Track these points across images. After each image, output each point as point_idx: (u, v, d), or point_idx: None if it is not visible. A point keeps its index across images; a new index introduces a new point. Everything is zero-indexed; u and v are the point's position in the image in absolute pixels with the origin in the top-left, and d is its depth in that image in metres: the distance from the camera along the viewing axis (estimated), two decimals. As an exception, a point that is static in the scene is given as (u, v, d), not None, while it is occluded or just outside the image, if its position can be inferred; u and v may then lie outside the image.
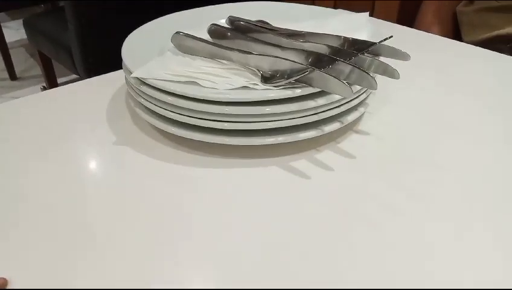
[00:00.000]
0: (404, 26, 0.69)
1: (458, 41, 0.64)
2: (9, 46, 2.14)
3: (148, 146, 0.41)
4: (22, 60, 2.34)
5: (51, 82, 1.70)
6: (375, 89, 0.36)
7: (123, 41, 0.46)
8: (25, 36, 2.50)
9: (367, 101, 0.42)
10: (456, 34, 0.95)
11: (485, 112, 0.45)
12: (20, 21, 2.51)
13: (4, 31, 2.07)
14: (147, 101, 0.39)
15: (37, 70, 2.28)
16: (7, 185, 0.36)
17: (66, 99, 0.51)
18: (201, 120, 0.37)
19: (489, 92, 0.49)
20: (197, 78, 0.37)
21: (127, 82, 0.43)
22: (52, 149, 0.41)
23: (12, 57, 2.16)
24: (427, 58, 0.57)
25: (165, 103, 0.37)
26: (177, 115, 0.37)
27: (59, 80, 1.76)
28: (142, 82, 0.39)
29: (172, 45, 0.45)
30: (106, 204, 0.34)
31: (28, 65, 2.34)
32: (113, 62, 0.59)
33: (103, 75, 0.56)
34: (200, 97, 0.35)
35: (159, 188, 0.35)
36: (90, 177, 0.38)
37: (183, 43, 0.45)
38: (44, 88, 2.02)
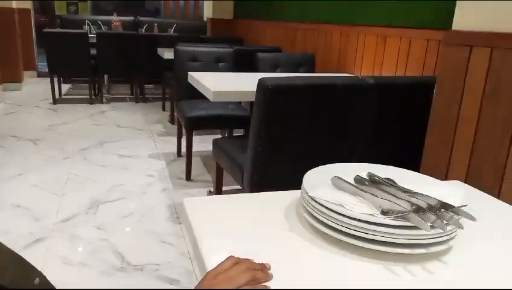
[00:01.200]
0: (491, 197, 0.90)
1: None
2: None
3: (310, 243, 0.71)
4: (197, 166, 2.99)
5: (218, 188, 2.20)
6: (444, 230, 0.61)
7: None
8: (201, 149, 3.20)
9: (447, 239, 0.67)
10: None
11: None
12: (200, 136, 3.24)
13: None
14: (316, 213, 0.71)
15: (207, 176, 2.88)
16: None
17: (247, 205, 0.86)
18: (351, 229, 0.66)
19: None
20: (344, 204, 0.68)
21: (302, 199, 0.76)
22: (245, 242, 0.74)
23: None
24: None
25: (327, 215, 0.68)
26: (335, 224, 0.68)
27: (224, 188, 2.26)
28: (313, 199, 0.71)
29: (331, 183, 0.78)
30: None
31: (202, 171, 2.98)
32: (272, 183, 0.93)
33: (274, 192, 0.90)
34: (350, 215, 0.65)
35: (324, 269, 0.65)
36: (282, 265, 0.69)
37: (338, 183, 0.77)
38: (210, 192, 2.56)
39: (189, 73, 2.48)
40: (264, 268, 0.60)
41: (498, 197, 0.92)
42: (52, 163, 3.02)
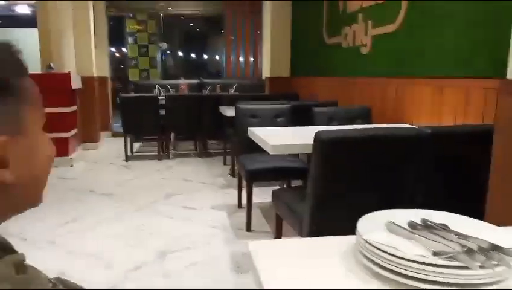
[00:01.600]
0: None
1: None
2: (253, 206, 2.92)
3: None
4: (257, 217, 3.08)
5: (278, 238, 2.26)
6: (493, 270, 0.64)
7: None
8: (261, 200, 3.29)
9: (498, 280, 0.69)
10: None
11: None
12: (260, 188, 3.33)
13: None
14: (371, 255, 0.77)
15: (266, 227, 2.95)
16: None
17: (307, 249, 0.93)
18: (404, 270, 0.71)
19: None
20: (397, 246, 0.73)
21: (357, 242, 0.82)
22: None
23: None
24: None
25: (381, 256, 0.74)
26: (389, 265, 0.73)
27: (283, 238, 2.31)
28: (367, 242, 0.77)
29: (385, 227, 0.84)
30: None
31: (261, 222, 3.06)
32: (329, 233, 0.98)
33: (333, 237, 0.96)
34: (403, 256, 0.70)
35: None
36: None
37: (392, 227, 0.83)
38: (270, 241, 2.61)
39: (250, 129, 2.64)
40: None
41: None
42: (124, 214, 3.26)
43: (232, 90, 5.97)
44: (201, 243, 2.71)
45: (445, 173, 1.77)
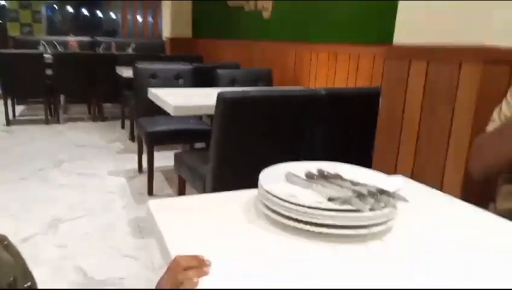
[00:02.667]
0: (431, 189, 1.01)
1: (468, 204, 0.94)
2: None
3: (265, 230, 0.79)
4: (159, 181, 3.00)
5: (181, 200, 2.23)
6: (381, 211, 0.71)
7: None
8: (162, 164, 3.21)
9: (386, 220, 0.76)
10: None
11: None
12: (161, 153, 3.24)
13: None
14: (271, 204, 0.78)
15: (169, 191, 2.90)
16: (199, 229, 0.76)
17: (209, 204, 0.92)
18: (302, 216, 0.73)
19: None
20: (296, 195, 0.76)
21: (259, 193, 0.83)
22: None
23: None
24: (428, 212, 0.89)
25: (281, 205, 0.76)
26: (288, 212, 0.75)
27: (186, 200, 2.29)
28: (268, 193, 0.78)
29: (285, 178, 0.86)
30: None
31: (164, 186, 2.99)
32: (234, 188, 0.99)
33: (235, 191, 0.97)
34: (301, 203, 0.73)
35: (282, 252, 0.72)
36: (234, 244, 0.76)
37: (291, 178, 0.85)
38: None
39: (150, 89, 2.52)
40: (200, 265, 0.62)
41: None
42: (7, 184, 2.93)
43: (129, 50, 5.60)
44: (98, 210, 2.57)
45: (339, 130, 1.89)
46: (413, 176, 1.53)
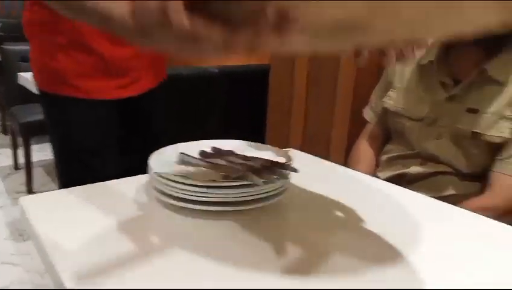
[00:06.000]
0: (320, 159, 1.06)
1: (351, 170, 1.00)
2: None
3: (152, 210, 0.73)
4: (39, 177, 2.70)
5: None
6: (274, 183, 0.70)
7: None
8: (43, 158, 2.91)
9: (280, 192, 0.76)
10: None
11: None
12: (40, 145, 2.94)
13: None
14: (163, 187, 0.73)
15: (53, 186, 2.63)
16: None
17: (94, 195, 0.84)
18: (195, 196, 0.69)
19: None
20: (189, 175, 0.72)
21: (151, 178, 0.77)
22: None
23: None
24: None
25: (173, 187, 0.71)
26: (181, 194, 0.71)
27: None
28: (159, 176, 0.73)
29: (178, 159, 0.81)
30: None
31: (46, 181, 2.70)
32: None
33: (123, 179, 0.89)
34: (193, 183, 0.69)
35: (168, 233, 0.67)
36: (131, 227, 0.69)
37: (183, 158, 0.81)
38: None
39: (20, 74, 2.24)
40: None
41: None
42: None
43: (-7, 31, 4.89)
44: (-35, 215, 2.22)
45: (233, 107, 1.89)
46: (304, 147, 1.60)
